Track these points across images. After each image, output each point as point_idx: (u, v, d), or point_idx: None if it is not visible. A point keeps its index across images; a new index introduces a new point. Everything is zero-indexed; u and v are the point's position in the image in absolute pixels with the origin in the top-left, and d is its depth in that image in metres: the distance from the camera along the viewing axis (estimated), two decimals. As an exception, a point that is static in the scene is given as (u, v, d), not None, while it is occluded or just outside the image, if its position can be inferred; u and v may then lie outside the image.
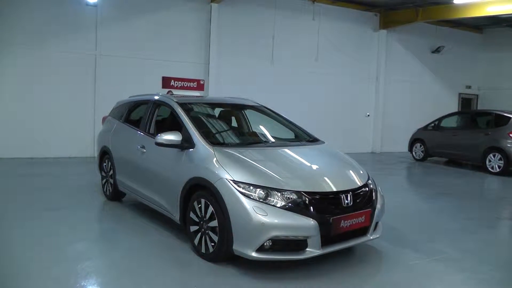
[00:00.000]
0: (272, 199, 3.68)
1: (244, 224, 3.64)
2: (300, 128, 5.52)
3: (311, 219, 3.64)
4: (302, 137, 5.34)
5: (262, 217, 3.58)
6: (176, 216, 4.51)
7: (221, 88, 11.93)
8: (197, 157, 4.26)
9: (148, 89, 10.39)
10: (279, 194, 3.70)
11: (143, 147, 5.21)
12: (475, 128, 11.02)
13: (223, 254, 3.88)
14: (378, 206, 4.25)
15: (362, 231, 4.10)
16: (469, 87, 16.83)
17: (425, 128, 12.24)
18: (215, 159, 4.08)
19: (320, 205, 3.76)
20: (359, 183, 4.18)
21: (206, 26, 11.79)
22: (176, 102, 5.07)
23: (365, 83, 14.33)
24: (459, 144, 10.95)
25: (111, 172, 6.13)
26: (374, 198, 4.24)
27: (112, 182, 6.11)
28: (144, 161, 5.20)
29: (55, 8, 10.07)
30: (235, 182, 3.77)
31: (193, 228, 4.19)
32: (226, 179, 3.81)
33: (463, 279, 3.96)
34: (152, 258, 4.15)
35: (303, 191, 3.76)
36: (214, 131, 4.89)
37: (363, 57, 14.19)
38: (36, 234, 4.72)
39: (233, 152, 4.20)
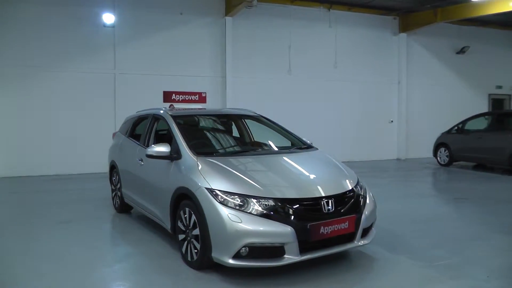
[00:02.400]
0: (248, 206, 3.68)
1: (220, 231, 3.67)
2: (295, 136, 5.50)
3: (288, 225, 3.61)
4: (296, 145, 5.32)
5: (237, 224, 3.59)
6: (167, 225, 4.60)
7: (238, 100, 12.01)
8: (184, 167, 4.34)
9: (166, 104, 10.80)
10: (255, 201, 3.70)
11: (141, 159, 5.36)
12: (500, 130, 10.48)
13: (206, 262, 3.91)
14: (366, 212, 4.14)
15: (348, 237, 4.03)
16: (500, 87, 16.06)
17: (449, 131, 11.79)
18: (197, 168, 4.15)
19: (298, 211, 3.72)
20: (343, 189, 4.10)
21: (221, 39, 11.98)
22: (170, 115, 5.19)
23: (386, 88, 14.03)
24: (484, 147, 10.45)
25: (119, 185, 6.35)
26: (361, 204, 4.16)
27: (119, 195, 6.33)
28: (142, 173, 5.36)
29: (74, 30, 10.57)
30: (213, 190, 3.81)
31: (181, 237, 4.26)
32: (205, 187, 3.86)
33: (452, 286, 3.79)
34: (142, 266, 4.26)
35: (281, 198, 3.74)
36: (202, 142, 4.97)
37: (383, 62, 13.92)
38: (42, 244, 4.95)
39: (215, 162, 4.24)
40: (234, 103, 11.95)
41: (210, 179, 3.92)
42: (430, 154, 12.53)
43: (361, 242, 4.11)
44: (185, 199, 4.18)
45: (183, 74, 11.66)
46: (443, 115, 14.12)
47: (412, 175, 10.74)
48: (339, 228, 3.85)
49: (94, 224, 5.85)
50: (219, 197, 3.75)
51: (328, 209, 3.84)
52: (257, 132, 5.86)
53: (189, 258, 4.12)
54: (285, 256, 3.65)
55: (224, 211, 3.66)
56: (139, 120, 6.27)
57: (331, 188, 4.04)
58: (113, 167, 6.63)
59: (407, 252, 4.59)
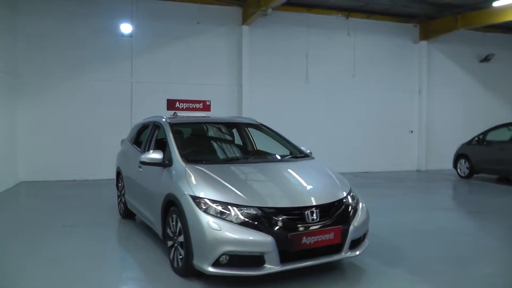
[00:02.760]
0: (230, 214, 3.65)
1: (200, 238, 3.65)
2: (293, 145, 5.44)
3: (268, 235, 3.55)
4: (293, 154, 5.26)
5: (216, 232, 3.57)
6: (159, 232, 4.64)
7: (254, 109, 12.06)
8: (174, 174, 4.36)
9: (183, 112, 10.94)
10: (237, 209, 3.66)
11: (140, 166, 5.44)
12: (524, 141, 10.06)
13: (190, 269, 3.89)
14: (355, 223, 4.03)
15: (336, 248, 3.93)
16: (526, 96, 15.44)
17: (469, 142, 11.35)
18: (185, 175, 4.18)
19: (279, 221, 3.65)
20: (330, 199, 4.01)
21: (238, 48, 12.06)
22: (168, 122, 5.26)
23: (406, 97, 13.70)
24: (507, 159, 10.00)
25: (123, 191, 6.46)
26: (350, 214, 4.06)
27: (124, 201, 6.43)
28: (140, 180, 5.43)
29: (93, 41, 10.90)
30: (196, 197, 3.80)
31: (169, 243, 4.25)
32: (189, 194, 3.86)
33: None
34: (130, 272, 4.31)
35: (263, 207, 3.70)
36: (196, 150, 4.99)
37: (403, 70, 13.62)
38: (42, 247, 5.08)
39: (203, 169, 4.23)
40: (250, 112, 11.98)
41: (195, 187, 3.92)
42: (451, 165, 12.14)
43: (349, 254, 4.00)
44: (173, 206, 4.20)
45: (199, 83, 11.79)
46: (466, 125, 13.62)
47: (429, 186, 10.41)
48: (324, 238, 3.75)
49: (95, 230, 5.94)
50: (202, 204, 3.74)
51: (313, 219, 3.76)
52: (258, 141, 5.86)
53: (175, 265, 4.12)
54: (265, 265, 3.59)
55: (205, 219, 3.65)
56: (142, 127, 6.37)
57: (317, 198, 3.96)
58: (118, 173, 6.76)
59: (403, 265, 4.42)
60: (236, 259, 3.60)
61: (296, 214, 3.74)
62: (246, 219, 3.62)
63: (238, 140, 5.95)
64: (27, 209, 7.58)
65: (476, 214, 7.15)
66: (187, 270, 3.92)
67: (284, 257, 3.64)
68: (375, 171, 13.02)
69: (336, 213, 3.93)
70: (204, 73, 11.86)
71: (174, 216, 4.10)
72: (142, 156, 4.69)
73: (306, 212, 3.75)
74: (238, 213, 3.65)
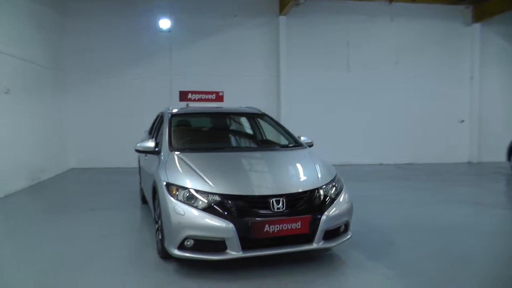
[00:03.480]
0: (196, 200, 3.76)
1: (167, 222, 3.80)
2: (290, 135, 5.39)
3: (229, 221, 3.62)
4: (289, 143, 5.24)
5: (180, 216, 3.70)
6: (153, 216, 4.90)
7: (293, 99, 12.04)
8: (160, 162, 4.58)
9: (221, 104, 11.17)
10: (203, 196, 3.77)
11: (146, 155, 5.73)
12: None
13: (166, 252, 4.05)
14: (330, 213, 3.94)
15: (307, 238, 3.89)
16: None
17: (524, 133, 10.39)
18: (165, 163, 4.36)
19: (241, 208, 3.69)
20: (300, 188, 3.96)
21: (276, 39, 12.04)
22: (169, 113, 5.49)
23: (456, 85, 12.75)
24: None
25: (140, 179, 6.84)
26: (324, 204, 3.99)
27: (140, 188, 6.82)
28: (144, 168, 5.75)
29: (134, 37, 11.50)
30: (168, 183, 3.95)
31: (156, 227, 4.49)
32: (164, 180, 4.05)
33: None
34: (120, 252, 4.57)
35: (227, 194, 3.75)
36: (188, 139, 5.15)
37: (452, 56, 12.69)
38: (62, 226, 5.58)
39: (182, 157, 4.35)
40: (288, 102, 12.00)
41: (169, 173, 4.08)
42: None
43: (323, 245, 3.92)
44: (156, 192, 4.41)
45: (237, 74, 11.99)
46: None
47: (471, 180, 9.69)
48: (290, 228, 3.72)
49: (113, 213, 6.31)
50: (173, 190, 3.89)
51: (278, 208, 3.76)
52: (260, 130, 5.88)
53: (158, 247, 4.33)
54: (227, 251, 3.67)
55: (171, 204, 3.79)
56: (156, 118, 6.69)
57: (286, 187, 3.93)
58: (139, 162, 7.17)
59: (388, 261, 4.20)
60: (200, 244, 3.71)
61: (260, 202, 3.76)
62: (210, 206, 3.71)
63: (243, 130, 6.02)
64: (63, 192, 8.27)
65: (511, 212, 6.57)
66: (164, 252, 4.10)
67: (247, 244, 3.69)
68: (421, 162, 12.37)
69: (304, 202, 3.88)
70: (242, 65, 12.02)
71: (157, 201, 4.31)
72: (138, 145, 4.95)
73: (271, 201, 3.76)
74: (203, 199, 3.74)
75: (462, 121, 12.75)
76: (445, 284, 3.71)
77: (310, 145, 5.38)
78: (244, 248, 3.67)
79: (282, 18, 11.98)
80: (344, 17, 12.23)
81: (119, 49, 11.48)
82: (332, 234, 4.05)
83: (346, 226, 4.21)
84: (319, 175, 4.23)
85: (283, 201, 3.78)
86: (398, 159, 12.36)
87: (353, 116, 12.35)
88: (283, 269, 3.97)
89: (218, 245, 3.67)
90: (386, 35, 12.38)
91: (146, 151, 4.88)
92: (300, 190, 3.94)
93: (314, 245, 3.88)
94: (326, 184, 4.13)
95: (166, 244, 3.88)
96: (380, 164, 12.22)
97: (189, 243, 3.72)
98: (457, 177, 10.08)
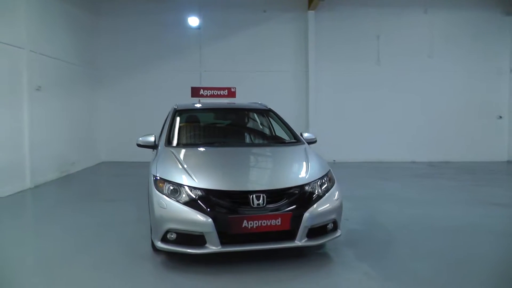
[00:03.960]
0: (179, 194, 3.85)
1: (152, 215, 3.94)
2: (291, 130, 5.38)
3: (207, 216, 3.68)
4: (290, 139, 5.24)
5: (162, 210, 3.81)
6: None
7: (321, 93, 11.96)
8: (155, 156, 4.74)
9: (250, 99, 11.20)
10: (185, 190, 3.85)
11: (152, 149, 5.92)
12: None
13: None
14: (314, 210, 3.87)
15: (289, 235, 3.89)
16: None
17: None
18: (157, 157, 4.51)
19: (220, 203, 3.74)
20: (283, 185, 3.95)
21: (305, 34, 11.97)
22: (174, 108, 5.65)
23: (494, 78, 12.05)
24: None
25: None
26: (309, 201, 3.95)
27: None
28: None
29: (164, 34, 11.84)
30: (156, 177, 4.09)
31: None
32: (152, 174, 4.18)
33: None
34: (121, 241, 4.78)
35: (208, 189, 3.81)
36: (187, 134, 5.26)
37: (490, 48, 12.00)
38: (77, 216, 5.94)
39: (174, 152, 4.48)
40: (316, 97, 11.93)
41: (159, 167, 4.19)
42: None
43: (306, 242, 3.89)
44: (150, 185, 4.56)
45: (266, 70, 12.07)
46: None
47: (503, 180, 9.14)
48: (269, 224, 3.74)
49: (127, 204, 6.58)
50: (159, 183, 4.01)
51: (258, 204, 3.79)
52: (266, 126, 5.90)
53: (151, 240, 4.50)
54: (206, 245, 3.74)
55: (156, 197, 3.90)
56: (168, 113, 6.87)
57: (268, 183, 3.94)
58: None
59: (377, 260, 4.11)
60: (182, 237, 3.79)
61: (240, 198, 3.80)
62: (192, 200, 3.80)
63: (246, 125, 6.04)
64: (86, 184, 8.72)
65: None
66: (153, 244, 4.26)
67: (227, 239, 3.75)
68: (457, 161, 11.84)
69: (286, 199, 3.88)
70: (270, 61, 12.06)
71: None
72: (139, 139, 5.12)
73: (251, 196, 3.78)
74: (186, 193, 3.83)
75: (500, 117, 12.03)
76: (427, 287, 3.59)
77: (313, 141, 5.35)
78: (223, 243, 3.73)
79: (310, 13, 11.87)
80: (375, 9, 11.92)
81: (149, 46, 11.85)
82: (318, 232, 4.01)
83: (335, 224, 4.16)
84: (307, 172, 4.19)
85: (263, 197, 3.79)
86: (432, 157, 11.90)
87: (383, 111, 12.03)
88: (268, 265, 4.00)
89: (198, 239, 3.75)
90: (418, 27, 11.92)
91: (146, 146, 5.04)
92: (282, 187, 3.92)
93: (297, 243, 3.86)
94: (313, 181, 4.08)
95: (152, 237, 4.03)
96: (413, 162, 11.82)
97: (173, 236, 3.83)
98: (489, 176, 9.56)
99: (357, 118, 12.04)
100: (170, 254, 4.14)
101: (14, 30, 7.36)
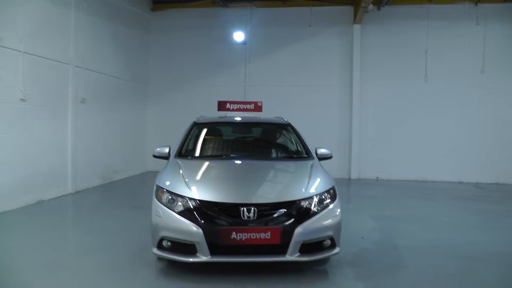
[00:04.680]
0: (175, 204, 3.98)
1: (150, 223, 4.13)
2: (304, 145, 5.35)
3: (198, 226, 3.76)
4: (301, 154, 5.22)
5: (157, 218, 3.97)
6: None
7: (364, 110, 11.72)
8: (165, 166, 4.93)
9: (293, 114, 11.28)
10: (181, 200, 3.98)
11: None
12: None
13: None
14: (307, 226, 3.83)
15: (280, 249, 3.86)
16: None
17: None
18: (166, 168, 4.70)
19: (212, 214, 3.82)
20: (277, 199, 3.94)
21: (350, 48, 11.81)
22: (194, 121, 5.88)
23: (556, 94, 11.06)
24: None
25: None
26: (303, 216, 3.91)
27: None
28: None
29: (211, 48, 12.26)
30: (158, 187, 4.27)
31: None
32: (156, 184, 4.37)
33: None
34: (134, 246, 5.03)
35: (201, 200, 3.90)
36: (196, 146, 5.39)
37: (552, 61, 11.05)
38: (105, 221, 6.31)
39: (180, 163, 4.66)
40: (360, 113, 11.72)
41: (162, 177, 4.38)
42: None
43: (297, 258, 3.83)
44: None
45: (311, 85, 12.06)
46: None
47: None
48: (259, 237, 3.75)
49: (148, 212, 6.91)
50: (159, 193, 4.17)
51: (248, 217, 3.81)
52: (285, 140, 5.89)
53: (157, 247, 4.67)
54: (197, 254, 3.83)
55: (155, 206, 4.07)
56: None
57: (259, 197, 3.97)
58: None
59: (375, 283, 3.97)
60: (175, 245, 3.91)
61: (231, 210, 3.85)
62: (185, 210, 3.91)
63: (262, 139, 6.09)
64: (126, 191, 9.22)
65: None
66: (158, 252, 4.42)
67: (218, 250, 3.81)
68: (508, 183, 10.97)
69: (276, 213, 3.86)
70: (316, 75, 12.04)
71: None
72: (155, 150, 5.37)
73: (242, 209, 3.82)
74: (181, 203, 3.96)
75: None
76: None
77: (327, 157, 5.28)
78: (213, 253, 3.80)
79: (356, 27, 11.72)
80: (423, 22, 11.48)
81: (197, 61, 12.31)
82: (312, 248, 3.95)
83: (332, 241, 4.06)
84: (306, 187, 4.15)
85: (254, 210, 3.82)
86: (481, 178, 11.13)
87: (430, 129, 11.49)
88: (259, 277, 4.01)
89: (189, 248, 3.85)
90: (470, 40, 11.28)
91: (161, 156, 5.25)
92: (273, 201, 3.93)
93: (288, 257, 3.83)
94: (310, 197, 4.04)
95: (151, 243, 4.19)
96: (459, 183, 11.12)
97: (168, 244, 3.96)
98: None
99: (402, 135, 11.61)
100: (171, 262, 4.26)
101: (61, 48, 8.05)
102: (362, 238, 5.49)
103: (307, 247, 3.90)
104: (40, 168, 7.44)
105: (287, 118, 6.17)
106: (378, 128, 11.76)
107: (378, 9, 11.51)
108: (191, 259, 3.84)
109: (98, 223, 6.18)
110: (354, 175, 11.77)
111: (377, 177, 11.72)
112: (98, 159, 9.35)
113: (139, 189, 9.48)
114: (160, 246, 3.99)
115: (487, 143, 11.20)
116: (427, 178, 11.37)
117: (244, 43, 12.24)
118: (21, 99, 6.93)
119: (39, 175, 7.38)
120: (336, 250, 4.08)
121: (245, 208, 3.82)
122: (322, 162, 5.17)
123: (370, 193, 9.44)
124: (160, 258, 4.30)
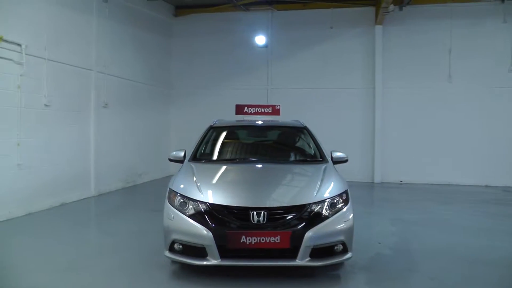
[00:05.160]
0: (186, 207, 4.03)
1: (163, 226, 4.18)
2: (319, 149, 5.31)
3: (208, 229, 3.79)
4: (316, 158, 5.19)
5: (169, 221, 4.03)
6: None
7: (387, 112, 11.54)
8: (179, 170, 4.99)
9: (315, 116, 11.27)
10: (192, 203, 4.02)
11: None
12: None
13: None
14: (318, 230, 3.79)
15: (291, 253, 3.84)
16: None
17: None
18: (179, 171, 4.75)
19: (220, 217, 3.84)
20: (287, 203, 3.92)
21: (372, 49, 11.66)
22: (210, 125, 5.93)
23: None
24: None
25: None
26: (314, 221, 3.87)
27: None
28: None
29: (234, 52, 12.37)
30: (170, 190, 4.33)
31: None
32: (169, 187, 4.42)
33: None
34: (145, 247, 5.13)
35: (212, 203, 3.93)
36: (210, 149, 5.42)
37: None
38: (122, 223, 6.51)
39: (193, 166, 4.70)
40: (383, 114, 11.56)
41: (175, 180, 4.43)
42: None
43: (308, 263, 3.80)
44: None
45: (333, 87, 11.98)
46: None
47: None
48: (268, 241, 3.74)
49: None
50: (172, 196, 4.23)
51: (258, 221, 3.81)
52: (302, 143, 5.85)
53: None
54: (207, 257, 3.85)
55: (167, 209, 4.13)
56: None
57: (269, 201, 3.95)
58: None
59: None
60: (187, 248, 3.95)
61: (241, 214, 3.86)
62: (196, 213, 3.95)
63: (277, 143, 6.07)
64: (147, 194, 9.36)
65: None
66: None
67: (228, 253, 3.82)
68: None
69: (287, 217, 3.84)
70: (338, 77, 11.95)
71: (170, 206, 4.71)
72: (172, 153, 5.43)
73: (252, 213, 3.83)
74: (192, 207, 4.00)
75: None
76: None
77: (342, 161, 5.22)
78: (223, 256, 3.81)
79: (378, 28, 11.56)
80: (447, 21, 11.19)
81: (219, 64, 12.46)
82: (323, 252, 3.92)
83: (344, 246, 4.01)
84: (317, 191, 4.10)
85: (264, 214, 3.82)
86: (509, 182, 10.75)
87: (455, 131, 11.19)
88: (270, 282, 4.01)
89: (200, 251, 3.88)
90: (496, 39, 10.93)
91: (176, 160, 5.31)
92: (284, 205, 3.91)
93: (298, 262, 3.81)
94: (321, 201, 4.00)
95: (164, 246, 4.24)
96: (486, 186, 10.77)
97: (179, 247, 4.00)
98: None
99: (426, 137, 11.35)
100: (184, 264, 4.29)
101: (84, 54, 8.29)
102: (379, 243, 5.40)
103: (318, 252, 3.87)
104: (64, 172, 7.67)
105: (309, 121, 6.13)
106: (402, 130, 11.54)
107: (400, 9, 11.32)
108: (201, 262, 3.87)
109: (117, 225, 6.32)
110: (377, 179, 11.58)
111: (401, 181, 11.49)
112: (120, 163, 9.55)
113: (160, 192, 9.48)
114: (172, 249, 4.04)
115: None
116: (452, 182, 11.08)
117: (265, 46, 12.27)
118: (45, 105, 7.17)
119: (62, 178, 7.61)
120: (348, 255, 4.02)
121: (254, 212, 3.82)
122: (341, 165, 5.14)
123: (392, 197, 9.27)
124: (174, 261, 4.35)
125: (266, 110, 6.94)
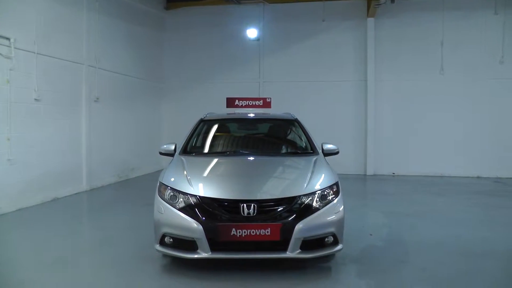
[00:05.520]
0: (177, 200, 4.02)
1: (153, 219, 4.18)
2: (310, 141, 5.32)
3: (198, 222, 3.79)
4: (307, 150, 5.19)
5: (159, 214, 4.02)
6: None
7: (381, 105, 11.58)
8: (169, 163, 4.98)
9: (307, 109, 11.28)
10: (182, 196, 4.01)
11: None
12: None
13: None
14: (308, 222, 3.80)
15: (281, 245, 3.85)
16: None
17: None
18: (169, 164, 4.74)
19: (212, 211, 3.84)
20: (276, 195, 3.93)
21: (364, 42, 11.67)
22: (201, 119, 5.91)
23: None
24: None
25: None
26: (304, 213, 3.88)
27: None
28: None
29: (226, 46, 12.32)
30: (160, 183, 4.32)
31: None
32: (159, 180, 4.42)
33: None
34: (137, 241, 5.12)
35: (201, 196, 3.92)
36: (201, 143, 5.42)
37: None
38: (117, 216, 6.48)
39: (183, 160, 4.70)
40: (376, 106, 11.59)
41: (165, 174, 4.42)
42: None
43: (298, 255, 3.81)
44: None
45: (325, 80, 11.98)
46: None
47: None
48: (258, 233, 3.75)
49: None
50: (162, 189, 4.23)
51: (248, 213, 3.81)
52: (288, 136, 5.87)
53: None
54: (198, 250, 3.85)
55: (157, 202, 4.13)
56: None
57: (259, 193, 3.95)
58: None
59: (377, 280, 3.92)
60: (177, 242, 3.94)
61: (231, 206, 3.86)
62: (186, 206, 3.94)
63: (267, 136, 6.06)
64: (140, 189, 9.31)
65: None
66: (160, 246, 4.46)
67: (218, 246, 3.83)
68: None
69: (277, 209, 3.85)
70: (330, 70, 11.94)
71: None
72: (162, 147, 5.40)
73: (241, 205, 3.83)
74: (182, 200, 4.00)
75: None
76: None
77: (333, 152, 5.22)
78: (214, 249, 3.82)
79: (370, 20, 11.55)
80: (438, 14, 11.21)
81: (211, 58, 12.41)
82: (314, 244, 3.93)
83: (335, 237, 4.03)
84: (307, 183, 4.11)
85: (254, 206, 3.82)
86: (501, 172, 10.85)
87: (447, 122, 11.26)
88: (262, 274, 4.02)
89: (190, 244, 3.88)
90: (487, 31, 10.97)
91: (167, 153, 5.29)
92: (274, 197, 3.92)
93: (288, 254, 3.82)
94: (311, 193, 4.01)
95: (154, 240, 4.24)
96: (478, 177, 10.86)
97: (170, 240, 3.99)
98: None
99: (418, 129, 11.41)
100: (176, 258, 4.29)
101: (74, 48, 8.21)
102: (371, 235, 5.44)
103: (309, 244, 3.88)
104: (55, 166, 7.63)
105: (301, 114, 6.11)
106: (394, 122, 11.60)
107: (392, 1, 11.23)
108: (192, 256, 3.87)
109: (109, 220, 6.31)
110: (370, 171, 11.63)
111: (393, 173, 11.55)
112: (113, 157, 9.51)
113: (152, 186, 9.46)
114: (162, 243, 4.04)
115: (508, 136, 10.89)
116: (444, 173, 11.17)
117: (257, 39, 12.23)
118: (36, 99, 7.11)
119: (54, 173, 7.57)
120: (339, 247, 4.04)
121: (245, 205, 3.82)
122: (333, 158, 5.15)
123: (385, 189, 9.32)
124: (164, 255, 4.35)
125: (257, 103, 6.94)
